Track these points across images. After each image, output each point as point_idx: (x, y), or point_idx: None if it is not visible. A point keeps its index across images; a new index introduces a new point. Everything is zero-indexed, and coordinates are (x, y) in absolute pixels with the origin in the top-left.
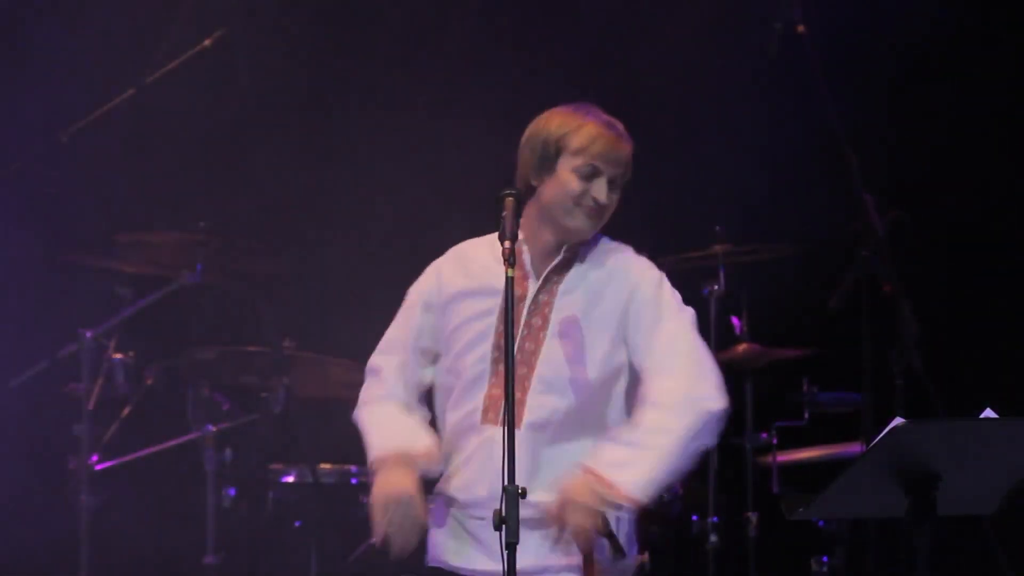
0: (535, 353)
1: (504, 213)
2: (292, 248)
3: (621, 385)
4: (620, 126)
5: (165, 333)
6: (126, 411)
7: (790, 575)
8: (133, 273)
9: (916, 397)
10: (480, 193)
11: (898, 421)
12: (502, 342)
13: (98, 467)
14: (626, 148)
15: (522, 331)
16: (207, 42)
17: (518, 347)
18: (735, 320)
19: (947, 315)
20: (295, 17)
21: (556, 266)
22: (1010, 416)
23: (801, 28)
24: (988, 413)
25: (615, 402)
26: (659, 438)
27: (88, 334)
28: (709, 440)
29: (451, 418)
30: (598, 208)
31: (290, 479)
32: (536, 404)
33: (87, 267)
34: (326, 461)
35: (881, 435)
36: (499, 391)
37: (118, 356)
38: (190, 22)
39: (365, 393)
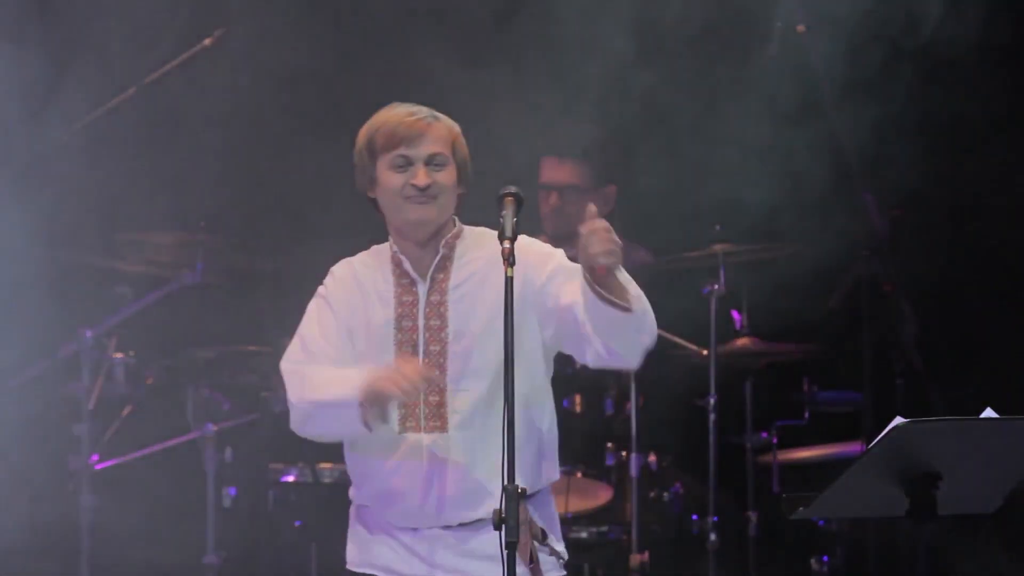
0: (442, 354)
1: (504, 213)
2: (292, 248)
3: (536, 367)
4: (423, 109)
5: (165, 333)
6: (126, 411)
7: (790, 575)
8: (133, 273)
9: (916, 397)
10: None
11: (898, 421)
12: (403, 350)
13: (98, 467)
14: (432, 126)
15: (423, 335)
16: (207, 42)
17: (424, 351)
18: (735, 314)
19: (947, 315)
20: (296, 16)
21: (437, 265)
22: (1010, 416)
23: (801, 28)
24: (988, 413)
25: (533, 381)
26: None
27: (88, 334)
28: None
29: (365, 432)
30: (423, 193)
31: (290, 479)
32: (457, 404)
33: (87, 267)
34: (326, 461)
35: (881, 435)
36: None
37: (118, 356)
38: (190, 22)
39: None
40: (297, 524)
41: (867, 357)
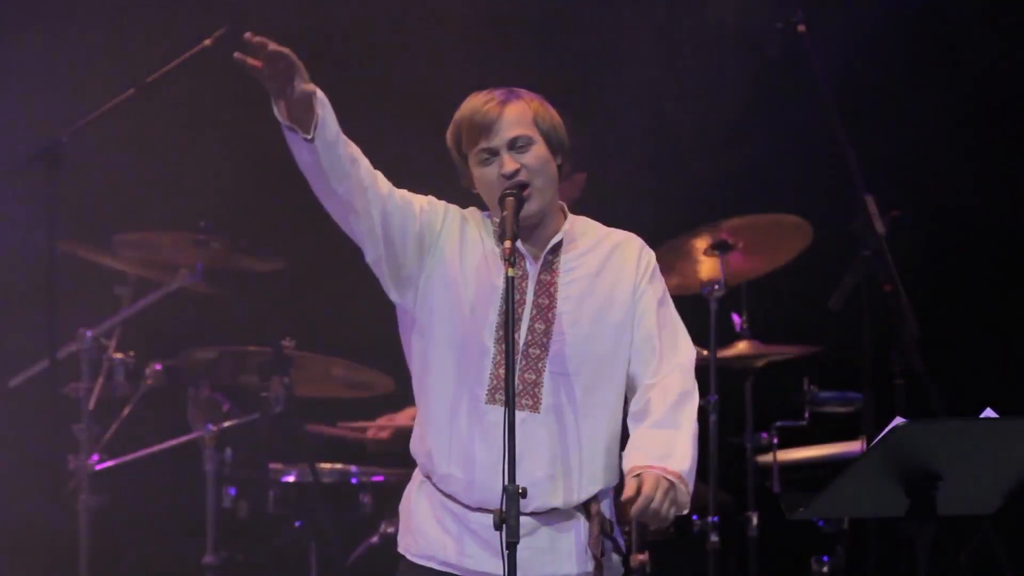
0: (547, 333)
1: (504, 213)
2: (292, 248)
3: (624, 365)
4: (497, 93)
5: (165, 333)
6: (126, 411)
7: (790, 575)
8: (133, 273)
9: (916, 397)
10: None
11: (898, 421)
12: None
13: (98, 467)
14: (505, 109)
15: (530, 311)
16: (208, 41)
17: (528, 328)
18: (735, 317)
19: (948, 315)
20: (296, 16)
21: (552, 248)
22: (1010, 416)
23: (801, 28)
24: (988, 413)
25: (619, 381)
26: (685, 412)
27: (88, 334)
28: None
29: (449, 392)
30: (516, 180)
31: (290, 479)
32: (554, 385)
33: (87, 267)
34: (326, 461)
35: (881, 435)
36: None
37: (118, 356)
38: (190, 21)
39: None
40: (297, 524)
41: (867, 357)
